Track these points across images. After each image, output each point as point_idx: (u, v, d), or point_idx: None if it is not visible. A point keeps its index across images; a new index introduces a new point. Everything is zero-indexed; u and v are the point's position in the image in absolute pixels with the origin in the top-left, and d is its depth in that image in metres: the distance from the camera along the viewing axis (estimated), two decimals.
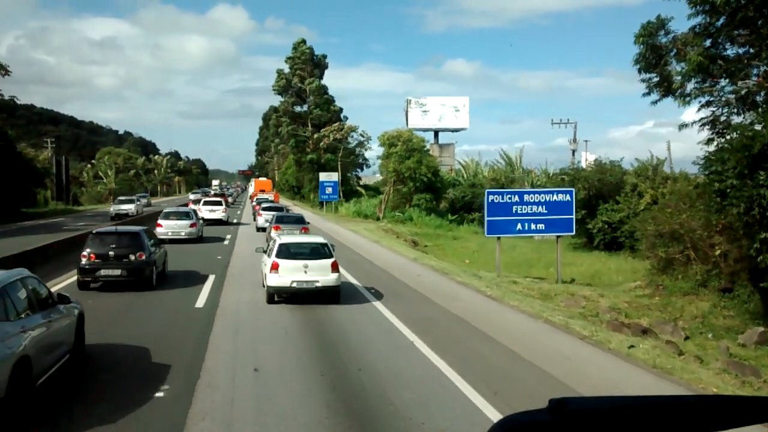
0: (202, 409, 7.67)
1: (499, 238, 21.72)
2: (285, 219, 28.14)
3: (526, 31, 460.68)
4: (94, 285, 16.18)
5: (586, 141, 58.52)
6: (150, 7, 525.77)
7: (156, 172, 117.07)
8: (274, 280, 14.52)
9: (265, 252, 16.88)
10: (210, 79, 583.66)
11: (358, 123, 65.73)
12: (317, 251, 15.25)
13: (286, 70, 72.53)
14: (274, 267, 14.53)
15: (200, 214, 35.68)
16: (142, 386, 8.54)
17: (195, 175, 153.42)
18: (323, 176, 59.70)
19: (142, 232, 17.55)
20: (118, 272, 16.05)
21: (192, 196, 72.08)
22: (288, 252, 14.95)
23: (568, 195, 21.59)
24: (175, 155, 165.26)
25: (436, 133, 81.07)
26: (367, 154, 71.71)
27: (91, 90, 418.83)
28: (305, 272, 14.55)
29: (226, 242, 29.73)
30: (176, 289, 16.88)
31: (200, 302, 14.97)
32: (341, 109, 71.68)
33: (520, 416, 1.12)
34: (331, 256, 15.11)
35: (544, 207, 21.35)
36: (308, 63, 70.72)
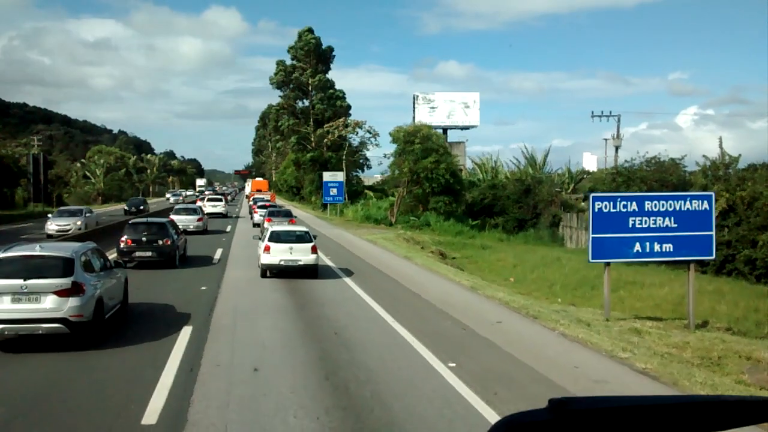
0: (216, 329, 11.52)
1: (608, 264, 14.60)
2: (276, 213, 32.05)
3: (519, 34, 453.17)
4: (130, 265, 18.19)
5: (611, 138, 51.44)
6: (143, 9, 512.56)
7: (148, 171, 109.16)
8: (266, 259, 17.51)
9: (260, 239, 20.00)
10: (206, 80, 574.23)
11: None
12: (301, 237, 18.10)
13: (288, 61, 65.16)
14: (267, 249, 17.52)
15: (204, 209, 39.61)
16: (173, 322, 12.14)
17: (190, 175, 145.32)
18: (327, 176, 52.50)
19: (168, 223, 21.39)
20: (149, 254, 19.45)
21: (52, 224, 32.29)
22: (278, 237, 17.85)
23: (705, 202, 14.50)
24: (170, 155, 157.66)
25: (445, 130, 73.90)
26: (368, 154, 64.45)
27: (87, 91, 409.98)
28: (291, 253, 17.44)
29: (226, 233, 34.03)
30: (193, 268, 20.22)
31: (210, 275, 18.37)
32: (350, 106, 64.21)
33: (520, 416, 1.08)
34: (311, 241, 18.00)
35: (672, 219, 14.29)
36: (312, 55, 63.33)
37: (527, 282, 26.78)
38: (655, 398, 1.17)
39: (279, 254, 17.34)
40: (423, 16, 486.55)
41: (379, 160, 76.27)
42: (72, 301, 9.85)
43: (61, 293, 9.84)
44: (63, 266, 10.17)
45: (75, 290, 9.94)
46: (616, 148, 43.36)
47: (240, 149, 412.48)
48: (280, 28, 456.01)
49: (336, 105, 62.74)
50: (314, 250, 17.75)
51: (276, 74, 65.67)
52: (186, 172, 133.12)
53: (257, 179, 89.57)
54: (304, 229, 19.37)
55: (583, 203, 48.53)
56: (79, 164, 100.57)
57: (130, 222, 21.32)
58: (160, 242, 19.59)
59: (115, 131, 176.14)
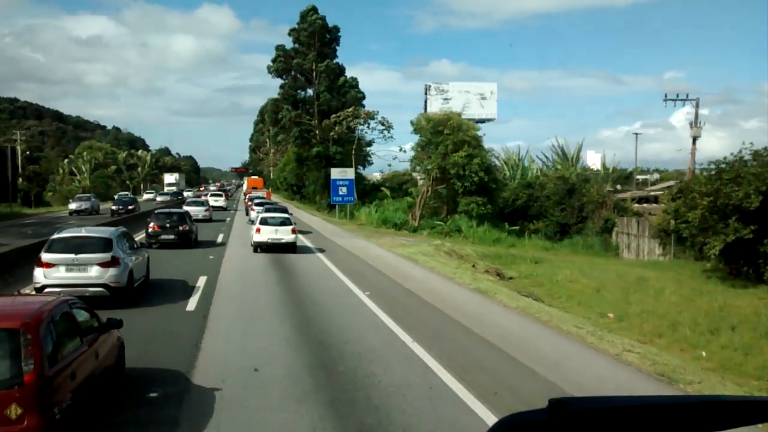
0: (220, 297, 14.09)
1: None
2: (272, 210, 32.04)
3: (513, 32, 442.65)
4: (155, 246, 22.58)
5: (689, 126, 43.45)
6: (135, 6, 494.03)
7: (139, 169, 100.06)
8: (257, 238, 22.38)
9: (252, 223, 26.36)
10: (201, 78, 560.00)
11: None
12: (283, 222, 22.96)
13: (289, 45, 56.53)
14: (258, 230, 22.47)
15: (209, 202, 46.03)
16: (183, 292, 14.52)
17: (186, 172, 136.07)
18: (336, 173, 44.03)
19: (186, 213, 26.15)
20: (171, 237, 23.42)
21: None
22: (266, 221, 22.87)
23: None
24: (165, 151, 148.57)
25: None
26: (371, 148, 55.84)
27: (81, 88, 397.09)
28: (276, 233, 22.30)
29: (226, 221, 38.88)
30: (204, 248, 23.79)
31: (216, 255, 21.89)
32: (364, 96, 55.50)
33: (520, 416, 1.05)
34: (291, 224, 22.97)
35: None
36: (317, 37, 54.73)
37: (632, 319, 18.47)
38: (654, 398, 1.12)
39: (267, 234, 22.23)
40: (417, 15, 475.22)
41: (394, 154, 67.53)
42: (111, 271, 12.48)
43: (103, 265, 12.45)
44: (103, 244, 12.81)
45: (113, 263, 12.55)
46: (694, 139, 34.73)
47: (237, 146, 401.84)
48: (272, 27, 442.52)
49: (347, 95, 54.08)
50: (293, 231, 22.61)
51: (275, 61, 57.00)
52: (180, 169, 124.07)
53: (253, 177, 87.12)
54: (286, 215, 24.23)
55: (635, 205, 40.38)
56: (66, 160, 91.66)
57: (155, 212, 25.63)
58: (180, 228, 23.57)
59: (109, 127, 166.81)
